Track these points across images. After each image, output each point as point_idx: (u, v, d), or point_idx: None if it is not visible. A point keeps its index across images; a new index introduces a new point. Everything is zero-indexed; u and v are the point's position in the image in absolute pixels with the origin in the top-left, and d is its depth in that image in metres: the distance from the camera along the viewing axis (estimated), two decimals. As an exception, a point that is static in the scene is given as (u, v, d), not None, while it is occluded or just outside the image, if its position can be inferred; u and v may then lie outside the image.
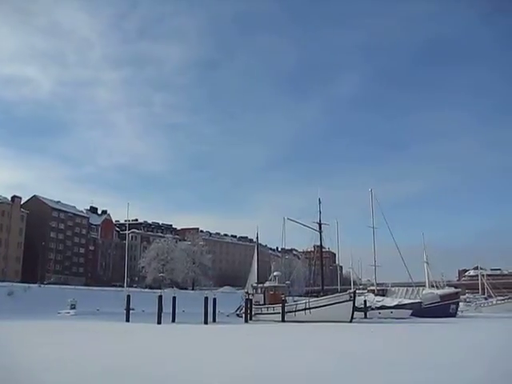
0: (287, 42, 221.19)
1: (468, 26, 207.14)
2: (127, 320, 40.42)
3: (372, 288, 63.84)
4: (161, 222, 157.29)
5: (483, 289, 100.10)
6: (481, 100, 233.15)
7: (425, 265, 68.88)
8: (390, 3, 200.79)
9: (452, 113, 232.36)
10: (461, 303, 70.96)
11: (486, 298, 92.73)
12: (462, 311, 67.20)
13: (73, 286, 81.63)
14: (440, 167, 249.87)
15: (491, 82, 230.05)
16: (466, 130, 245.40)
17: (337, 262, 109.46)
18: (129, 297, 43.50)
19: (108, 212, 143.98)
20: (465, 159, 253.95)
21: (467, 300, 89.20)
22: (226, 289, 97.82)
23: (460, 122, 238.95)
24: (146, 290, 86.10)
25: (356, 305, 44.47)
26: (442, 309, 56.07)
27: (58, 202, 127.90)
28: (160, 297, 41.08)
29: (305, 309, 43.91)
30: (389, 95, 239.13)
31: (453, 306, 59.18)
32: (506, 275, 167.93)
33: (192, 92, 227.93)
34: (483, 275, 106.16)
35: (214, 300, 44.34)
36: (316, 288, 61.47)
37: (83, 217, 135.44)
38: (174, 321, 41.20)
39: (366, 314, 50.43)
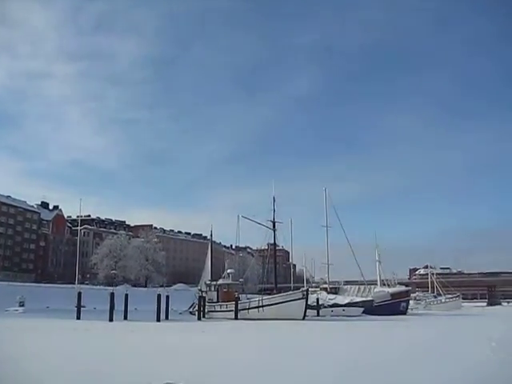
0: (244, 38, 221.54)
1: (417, 34, 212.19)
2: (78, 317, 39.67)
3: (325, 286, 64.31)
4: (114, 219, 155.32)
5: (433, 287, 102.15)
6: (429, 104, 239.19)
7: (377, 263, 69.77)
8: (343, 8, 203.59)
9: (402, 116, 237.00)
10: (411, 301, 72.26)
11: (435, 297, 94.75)
12: (412, 309, 68.48)
13: (22, 283, 79.88)
14: (392, 168, 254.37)
15: (439, 87, 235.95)
16: (416, 132, 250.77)
17: (290, 260, 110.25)
18: (80, 294, 42.76)
19: (60, 207, 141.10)
20: (415, 161, 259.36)
21: (417, 298, 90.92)
22: (180, 286, 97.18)
23: (409, 125, 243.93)
24: (98, 287, 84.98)
25: (309, 303, 44.90)
26: (393, 307, 57.01)
27: (8, 196, 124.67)
28: (112, 294, 40.48)
29: (258, 306, 44.03)
30: (342, 97, 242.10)
31: (403, 304, 60.18)
32: (454, 274, 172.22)
33: (148, 87, 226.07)
34: (433, 274, 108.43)
35: (167, 297, 44.09)
36: (269, 286, 61.71)
37: (34, 212, 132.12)
38: (126, 318, 40.74)
39: (318, 312, 50.77)
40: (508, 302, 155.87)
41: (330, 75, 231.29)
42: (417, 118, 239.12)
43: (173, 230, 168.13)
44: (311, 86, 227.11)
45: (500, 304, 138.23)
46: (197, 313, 47.40)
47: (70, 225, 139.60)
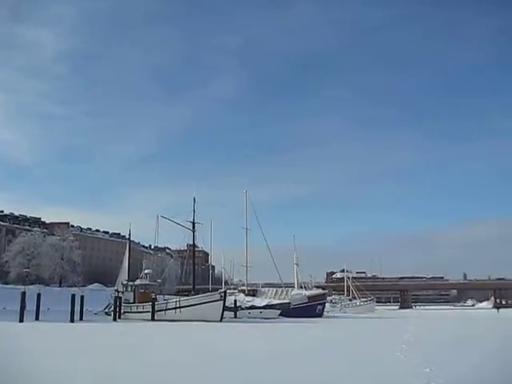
0: (167, 37, 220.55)
1: (340, 42, 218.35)
2: (-15, 318, 38.15)
3: (243, 288, 64.56)
4: (28, 215, 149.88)
5: (348, 290, 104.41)
6: (343, 114, 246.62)
7: (295, 266, 70.66)
8: (272, 11, 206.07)
9: (326, 120, 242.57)
10: (327, 304, 73.48)
11: (350, 300, 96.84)
12: (328, 311, 69.66)
13: None
14: (312, 172, 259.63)
15: (352, 99, 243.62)
16: (338, 136, 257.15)
17: (209, 262, 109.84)
18: (-12, 293, 41.12)
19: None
20: (335, 165, 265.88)
21: (333, 301, 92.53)
22: (96, 286, 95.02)
23: (332, 128, 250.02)
24: (9, 286, 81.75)
25: (226, 304, 45.01)
26: (309, 309, 57.81)
27: None
28: (23, 293, 39.06)
29: (175, 308, 43.71)
30: (266, 101, 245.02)
31: (319, 307, 61.16)
32: (369, 278, 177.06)
33: (67, 82, 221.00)
34: (349, 278, 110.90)
35: (82, 297, 43.05)
36: (187, 287, 61.31)
37: None
38: (37, 319, 39.36)
39: (235, 314, 50.91)
40: (419, 306, 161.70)
41: (255, 78, 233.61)
42: (342, 120, 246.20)
43: (90, 229, 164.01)
44: (235, 88, 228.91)
45: (411, 307, 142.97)
46: (112, 313, 46.51)
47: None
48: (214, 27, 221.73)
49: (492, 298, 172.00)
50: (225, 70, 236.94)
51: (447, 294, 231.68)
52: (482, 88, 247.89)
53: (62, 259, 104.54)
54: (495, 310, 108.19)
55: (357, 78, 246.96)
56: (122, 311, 47.18)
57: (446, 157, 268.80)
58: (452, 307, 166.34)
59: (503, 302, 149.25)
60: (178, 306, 43.74)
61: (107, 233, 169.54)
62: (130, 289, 50.50)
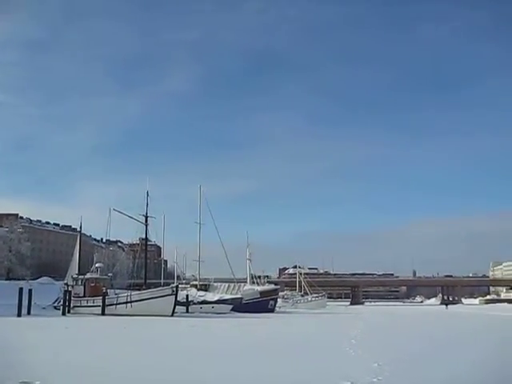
0: (122, 30, 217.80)
1: (294, 39, 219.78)
2: None
3: (195, 283, 64.30)
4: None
5: (301, 286, 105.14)
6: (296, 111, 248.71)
7: (247, 262, 70.75)
8: (230, 8, 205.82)
9: (279, 116, 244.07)
10: (279, 299, 73.81)
11: (302, 295, 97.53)
12: (280, 307, 69.94)
13: None
14: (265, 168, 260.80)
15: (304, 96, 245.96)
16: (291, 132, 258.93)
17: (162, 256, 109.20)
18: None
19: None
20: (288, 161, 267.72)
21: (285, 297, 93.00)
22: (45, 280, 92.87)
23: (286, 124, 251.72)
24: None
25: (178, 299, 44.78)
26: (261, 304, 58.02)
27: None
28: (-32, 287, 38.06)
29: (126, 302, 43.22)
30: (219, 96, 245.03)
31: (271, 302, 61.44)
32: (321, 274, 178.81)
33: (16, 70, 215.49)
34: (301, 274, 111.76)
35: (30, 291, 42.08)
36: (139, 281, 60.65)
37: None
38: (-18, 313, 38.38)
39: (187, 309, 50.67)
40: (370, 302, 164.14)
41: (209, 73, 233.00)
42: (298, 116, 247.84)
43: (40, 221, 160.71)
44: (189, 83, 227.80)
45: (362, 303, 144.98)
46: (61, 308, 45.64)
47: None
48: (168, 22, 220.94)
49: (440, 295, 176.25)
50: (179, 65, 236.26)
51: (397, 291, 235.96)
52: (435, 84, 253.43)
53: (10, 252, 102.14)
54: (444, 306, 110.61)
55: (310, 75, 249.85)
56: (71, 305, 46.31)
57: (398, 154, 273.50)
58: (401, 303, 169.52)
59: (450, 299, 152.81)
60: (129, 300, 43.26)
61: (58, 225, 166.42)
62: (80, 282, 49.63)
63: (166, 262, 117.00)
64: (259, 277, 76.20)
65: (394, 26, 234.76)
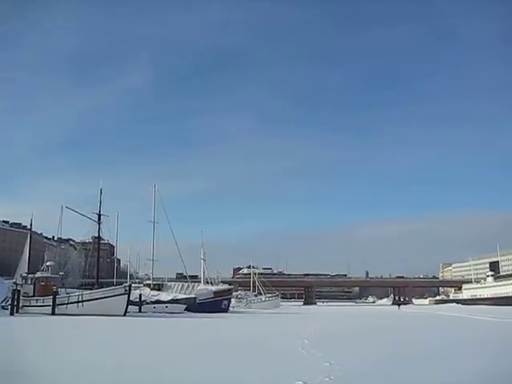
0: (76, 28, 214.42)
1: (251, 40, 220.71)
2: None
3: (148, 282, 63.79)
4: None
5: (254, 286, 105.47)
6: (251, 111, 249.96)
7: (201, 261, 70.58)
8: (190, 7, 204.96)
9: (235, 116, 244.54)
10: (233, 299, 73.87)
11: (256, 295, 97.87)
12: (233, 307, 70.01)
13: None
14: (220, 168, 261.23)
15: (261, 96, 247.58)
16: (246, 131, 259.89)
17: (115, 255, 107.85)
18: None
19: None
20: (243, 161, 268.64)
21: (239, 296, 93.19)
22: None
23: (241, 124, 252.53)
24: None
25: (131, 299, 44.32)
26: (215, 304, 57.94)
27: None
28: None
29: (77, 302, 42.53)
30: (176, 95, 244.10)
31: (225, 302, 61.39)
32: (275, 274, 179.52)
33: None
34: (255, 273, 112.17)
35: (-23, 290, 41.04)
36: (91, 280, 59.77)
37: None
38: None
39: (140, 308, 50.18)
40: (323, 302, 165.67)
41: (166, 72, 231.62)
42: (250, 116, 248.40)
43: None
44: (145, 81, 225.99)
45: (315, 303, 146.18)
46: (9, 307, 44.52)
47: None
48: (124, 19, 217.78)
49: (391, 295, 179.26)
50: (134, 63, 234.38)
51: (350, 291, 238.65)
52: (389, 84, 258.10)
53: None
54: (396, 306, 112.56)
55: (267, 75, 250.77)
56: (20, 305, 45.22)
57: (354, 154, 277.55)
58: (354, 304, 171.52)
59: (402, 299, 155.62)
60: (80, 299, 42.59)
61: (7, 222, 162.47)
62: (29, 281, 48.60)
63: (119, 261, 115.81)
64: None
65: (348, 26, 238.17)
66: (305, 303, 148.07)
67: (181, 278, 69.66)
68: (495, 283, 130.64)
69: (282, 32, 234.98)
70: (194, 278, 74.11)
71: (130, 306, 43.25)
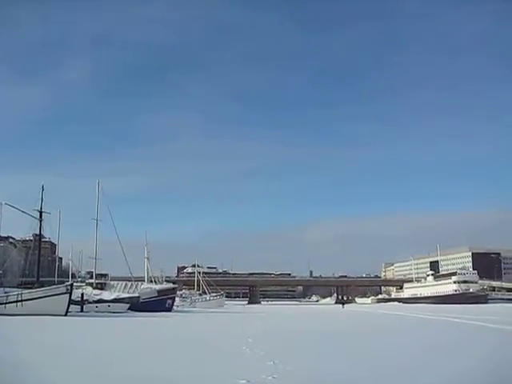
0: (19, 19, 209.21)
1: (200, 39, 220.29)
2: None
3: (91, 281, 62.80)
4: None
5: (199, 285, 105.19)
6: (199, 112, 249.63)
7: (145, 260, 69.99)
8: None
9: (182, 115, 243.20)
10: (177, 298, 73.46)
11: (200, 294, 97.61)
12: (177, 306, 69.63)
13: None
14: (165, 167, 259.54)
15: (220, 87, 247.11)
16: (193, 131, 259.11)
17: (57, 253, 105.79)
18: None
19: None
20: (188, 161, 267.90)
21: (183, 295, 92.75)
22: None
23: (188, 124, 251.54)
24: None
25: (73, 298, 43.51)
26: (159, 303, 57.47)
27: None
28: None
29: (16, 301, 41.40)
30: (125, 92, 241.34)
31: (169, 301, 60.97)
32: (220, 273, 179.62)
33: None
34: (200, 273, 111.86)
35: None
36: (31, 279, 58.42)
37: None
38: None
39: (82, 308, 49.31)
40: (267, 301, 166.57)
41: (113, 67, 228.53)
42: (198, 116, 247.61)
43: None
44: (89, 76, 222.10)
45: (259, 303, 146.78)
46: None
47: None
48: (71, 10, 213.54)
49: (335, 295, 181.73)
50: (80, 56, 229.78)
51: (294, 290, 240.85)
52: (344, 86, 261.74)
53: None
54: (340, 305, 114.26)
55: (216, 76, 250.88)
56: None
57: (303, 154, 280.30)
58: (298, 303, 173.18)
59: (345, 298, 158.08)
60: (19, 299, 41.45)
61: None
62: (-35, 281, 47.22)
63: (60, 259, 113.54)
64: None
65: (303, 28, 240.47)
66: (249, 302, 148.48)
67: (125, 277, 68.75)
68: (435, 282, 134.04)
69: (235, 32, 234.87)
70: (138, 277, 73.33)
71: (71, 306, 42.40)
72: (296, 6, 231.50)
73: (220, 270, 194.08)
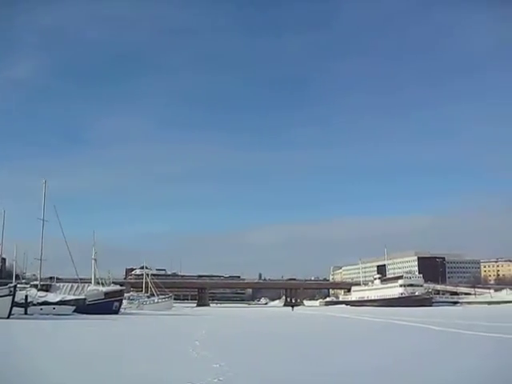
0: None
1: (152, 41, 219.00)
2: None
3: (36, 283, 61.33)
4: None
5: (147, 287, 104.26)
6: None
7: (93, 261, 68.90)
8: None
9: (130, 119, 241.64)
10: (125, 301, 72.57)
11: (148, 297, 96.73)
12: (125, 308, 68.76)
13: None
14: (114, 169, 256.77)
15: (171, 90, 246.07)
16: (140, 135, 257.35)
17: (0, 253, 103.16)
18: None
19: None
20: (135, 164, 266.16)
21: (131, 298, 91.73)
22: None
23: (135, 127, 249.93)
24: None
25: (16, 300, 42.50)
26: (106, 305, 56.59)
27: None
28: None
29: (-43, 303, 40.24)
30: (75, 92, 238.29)
31: (116, 304, 60.06)
32: (169, 275, 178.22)
33: None
34: (148, 274, 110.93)
35: None
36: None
37: None
38: None
39: (26, 310, 48.13)
40: (216, 303, 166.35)
41: (64, 66, 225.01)
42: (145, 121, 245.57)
43: None
44: (38, 74, 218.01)
45: (208, 305, 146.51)
46: None
47: None
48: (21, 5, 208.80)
49: (283, 297, 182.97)
50: (27, 52, 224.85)
51: (243, 293, 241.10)
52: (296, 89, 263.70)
53: None
54: (290, 308, 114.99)
55: (167, 78, 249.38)
56: None
57: (255, 157, 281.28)
58: (247, 305, 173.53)
59: (293, 301, 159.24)
60: (-40, 301, 40.32)
61: None
62: None
63: (4, 260, 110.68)
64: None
65: (258, 32, 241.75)
66: (198, 305, 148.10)
67: (71, 278, 67.55)
68: (382, 285, 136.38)
69: (188, 35, 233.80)
70: (85, 279, 72.09)
71: (14, 308, 41.54)
72: (247, 13, 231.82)
73: (169, 273, 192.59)
